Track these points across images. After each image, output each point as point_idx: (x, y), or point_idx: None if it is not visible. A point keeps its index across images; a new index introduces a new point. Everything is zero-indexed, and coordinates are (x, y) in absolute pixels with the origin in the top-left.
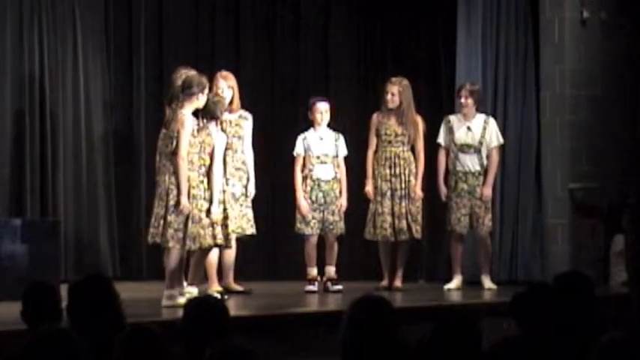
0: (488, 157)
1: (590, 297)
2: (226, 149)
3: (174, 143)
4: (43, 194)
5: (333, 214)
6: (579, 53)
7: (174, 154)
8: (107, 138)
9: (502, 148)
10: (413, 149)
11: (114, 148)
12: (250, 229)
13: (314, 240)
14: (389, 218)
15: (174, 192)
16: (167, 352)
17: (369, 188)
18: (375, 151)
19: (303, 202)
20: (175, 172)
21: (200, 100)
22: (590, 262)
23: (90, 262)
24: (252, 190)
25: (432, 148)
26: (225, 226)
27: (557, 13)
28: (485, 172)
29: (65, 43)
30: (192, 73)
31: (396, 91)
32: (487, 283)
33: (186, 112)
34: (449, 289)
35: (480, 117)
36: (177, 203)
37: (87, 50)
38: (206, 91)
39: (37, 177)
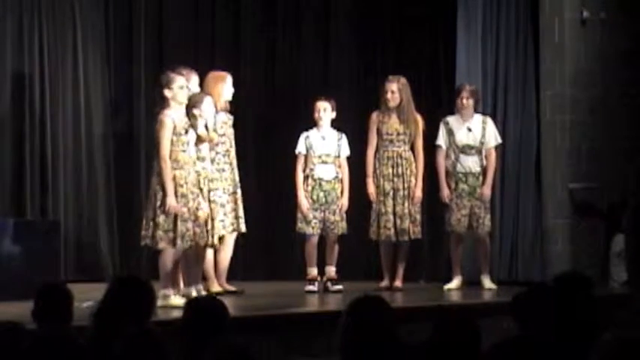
0: (486, 157)
1: (590, 297)
2: (228, 152)
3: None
4: (43, 194)
5: (334, 213)
6: (579, 53)
7: (157, 155)
8: (107, 138)
9: (501, 148)
10: (412, 148)
11: (114, 148)
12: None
13: (315, 240)
14: (392, 218)
15: (160, 193)
16: (169, 354)
17: (370, 190)
18: (376, 151)
19: (304, 201)
20: (159, 173)
21: (173, 95)
22: (590, 262)
23: (90, 262)
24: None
25: (431, 148)
26: (213, 227)
27: (557, 13)
28: (484, 172)
29: (65, 43)
30: (165, 72)
31: (396, 89)
32: (487, 283)
33: (168, 112)
34: (449, 289)
35: (478, 117)
36: (164, 204)
37: (87, 50)
38: (174, 85)
39: (37, 177)
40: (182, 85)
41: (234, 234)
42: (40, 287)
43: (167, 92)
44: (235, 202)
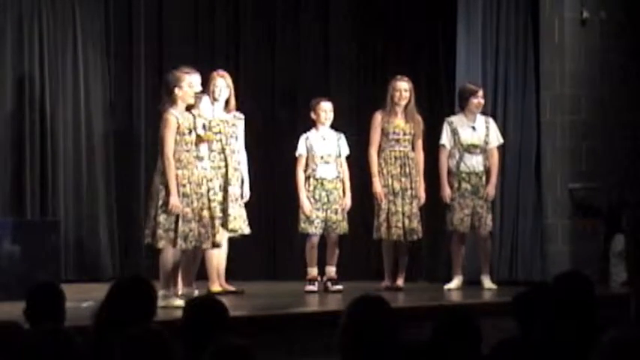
0: (489, 157)
1: (590, 297)
2: (224, 150)
3: (161, 143)
4: (43, 194)
5: (336, 213)
6: (579, 53)
7: (160, 154)
8: (107, 138)
9: (502, 148)
10: (412, 148)
11: (114, 148)
12: (247, 229)
13: (315, 240)
14: (401, 217)
15: (163, 192)
16: (173, 353)
17: (378, 189)
18: (380, 150)
19: (306, 203)
20: (163, 172)
21: (184, 95)
22: (590, 262)
23: (90, 262)
24: (247, 192)
25: (429, 148)
26: (212, 226)
27: (557, 13)
28: (487, 172)
29: (65, 43)
30: (170, 71)
31: (408, 88)
32: (487, 283)
33: (173, 111)
34: (449, 289)
35: (481, 117)
36: (167, 203)
37: (87, 50)
38: (184, 83)
39: (37, 177)
40: (192, 84)
41: (226, 233)
42: (31, 287)
43: (177, 91)
44: (225, 201)
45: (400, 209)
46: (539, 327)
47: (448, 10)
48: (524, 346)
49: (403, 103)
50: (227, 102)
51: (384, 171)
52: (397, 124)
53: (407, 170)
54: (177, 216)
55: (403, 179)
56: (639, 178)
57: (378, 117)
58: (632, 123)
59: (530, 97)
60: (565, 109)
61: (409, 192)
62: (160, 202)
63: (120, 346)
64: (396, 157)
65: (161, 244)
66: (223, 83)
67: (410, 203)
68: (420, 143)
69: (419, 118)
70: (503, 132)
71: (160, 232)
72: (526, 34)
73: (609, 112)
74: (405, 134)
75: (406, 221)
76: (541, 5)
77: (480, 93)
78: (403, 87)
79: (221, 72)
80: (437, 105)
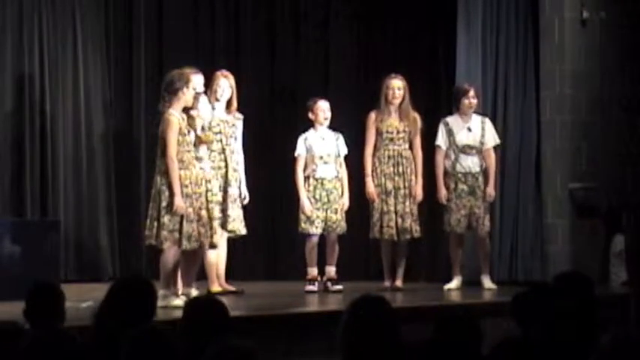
0: (485, 157)
1: (590, 297)
2: (223, 150)
3: (163, 144)
4: (43, 194)
5: (336, 212)
6: (579, 53)
7: (163, 154)
8: (107, 138)
9: (501, 148)
10: (410, 147)
11: (114, 148)
12: (243, 230)
13: (315, 240)
14: (394, 217)
15: (166, 193)
16: (177, 352)
17: (371, 189)
18: (375, 150)
19: (306, 202)
20: (166, 173)
21: (187, 95)
22: (590, 262)
23: (90, 262)
24: (245, 193)
25: (428, 148)
26: (211, 227)
27: (557, 13)
28: (484, 172)
29: (65, 43)
30: (174, 70)
31: (402, 86)
32: (487, 283)
33: (173, 112)
34: (449, 289)
35: (477, 118)
36: (171, 204)
37: (87, 50)
38: (190, 84)
39: (37, 177)
40: (195, 85)
41: (225, 233)
42: (30, 287)
43: (185, 91)
44: (225, 201)
45: (393, 208)
46: (539, 327)
47: (448, 10)
48: (524, 346)
49: (397, 101)
50: (229, 103)
51: (378, 170)
52: (391, 123)
53: (400, 169)
54: (182, 217)
55: (396, 178)
56: (639, 179)
57: (372, 116)
58: (632, 123)
59: (530, 97)
60: (565, 109)
61: (402, 191)
62: (164, 204)
63: (126, 346)
64: (389, 156)
65: (166, 245)
66: (226, 83)
67: (403, 202)
68: (417, 141)
69: (415, 115)
70: (504, 132)
71: (164, 233)
72: (526, 34)
73: (609, 112)
74: (399, 133)
75: (399, 220)
76: (541, 5)
77: (472, 93)
78: (397, 85)
79: (224, 72)
80: (436, 105)
